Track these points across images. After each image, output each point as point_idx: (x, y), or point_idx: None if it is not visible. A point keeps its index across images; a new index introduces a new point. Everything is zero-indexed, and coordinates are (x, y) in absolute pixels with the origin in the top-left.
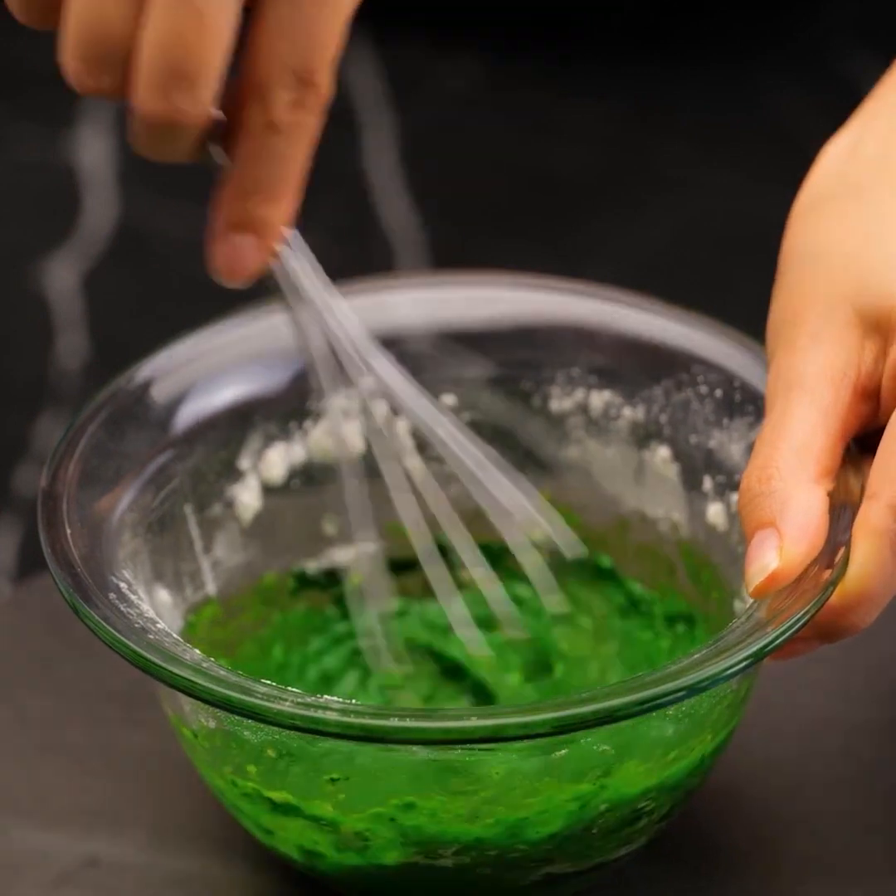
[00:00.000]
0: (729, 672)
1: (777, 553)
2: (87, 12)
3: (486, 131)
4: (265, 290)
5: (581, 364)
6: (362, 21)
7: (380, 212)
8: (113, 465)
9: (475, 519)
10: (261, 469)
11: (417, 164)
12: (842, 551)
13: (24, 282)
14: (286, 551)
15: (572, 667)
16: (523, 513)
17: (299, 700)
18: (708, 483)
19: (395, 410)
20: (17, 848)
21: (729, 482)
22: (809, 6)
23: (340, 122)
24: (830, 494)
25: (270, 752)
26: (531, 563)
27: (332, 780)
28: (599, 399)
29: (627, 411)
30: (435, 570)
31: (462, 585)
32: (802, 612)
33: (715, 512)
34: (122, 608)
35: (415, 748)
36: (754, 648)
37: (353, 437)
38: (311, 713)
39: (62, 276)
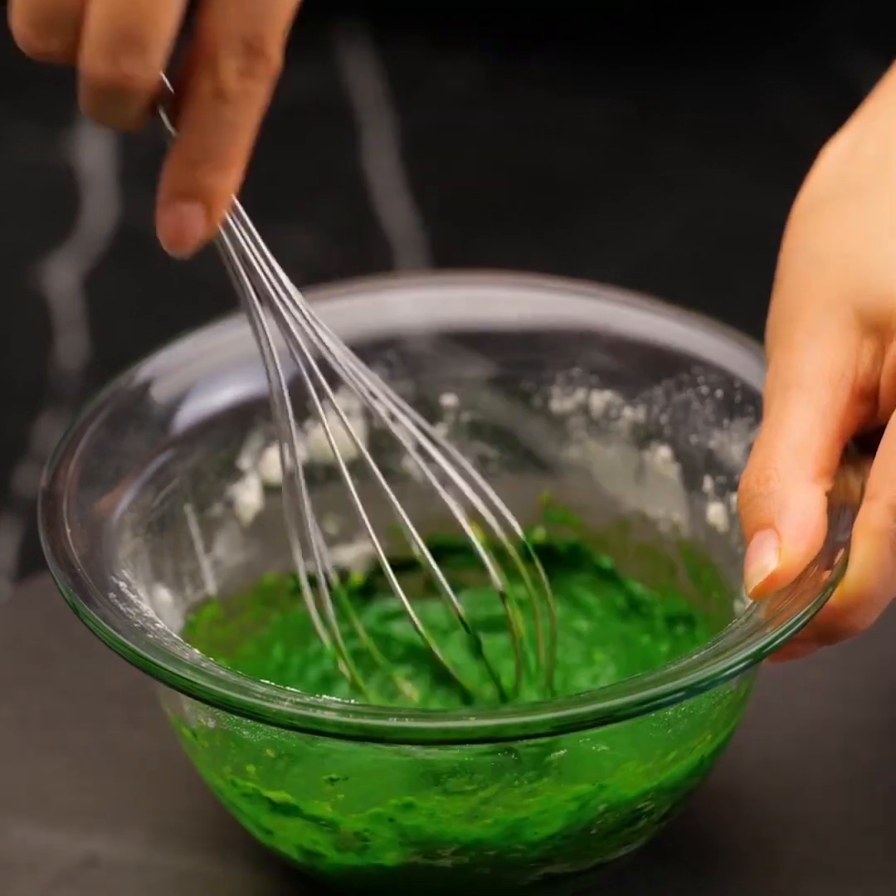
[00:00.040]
0: (728, 673)
1: (776, 554)
2: None
3: (486, 131)
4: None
5: (582, 364)
6: (362, 21)
7: (380, 212)
8: (113, 464)
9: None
10: (261, 469)
11: (417, 164)
12: (841, 552)
13: (24, 282)
14: (287, 551)
15: (567, 674)
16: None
17: (298, 700)
18: (708, 483)
19: (330, 380)
20: (17, 847)
21: (729, 483)
22: (809, 6)
23: (340, 122)
24: (829, 494)
25: (269, 752)
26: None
27: (331, 780)
28: (600, 399)
29: (628, 412)
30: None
31: (465, 585)
32: (802, 613)
33: (715, 512)
34: (122, 608)
35: (413, 748)
36: (753, 649)
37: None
38: (309, 713)
39: (62, 276)
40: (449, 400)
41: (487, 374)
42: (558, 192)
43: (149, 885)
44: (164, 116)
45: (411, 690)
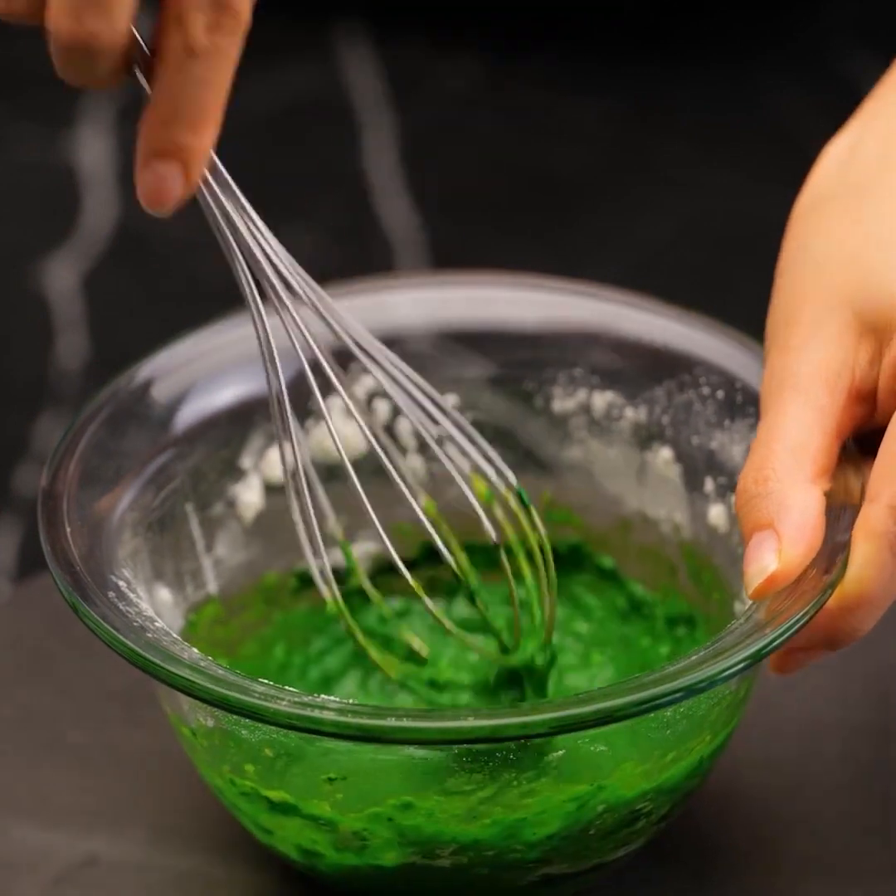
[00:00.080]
0: (727, 674)
1: (776, 555)
2: None
3: (486, 131)
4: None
5: (583, 365)
6: (362, 21)
7: (380, 212)
8: (113, 464)
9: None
10: (263, 468)
11: (417, 164)
12: (841, 553)
13: (24, 282)
14: (288, 550)
15: (564, 675)
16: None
17: (296, 700)
18: (709, 484)
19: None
20: (17, 847)
21: (730, 484)
22: (809, 6)
23: (340, 122)
24: (828, 494)
25: (268, 752)
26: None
27: (330, 779)
28: (602, 400)
29: (629, 412)
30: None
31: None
32: (801, 614)
33: (716, 513)
34: (121, 607)
35: (412, 748)
36: (752, 650)
37: (356, 437)
38: (308, 713)
39: (62, 276)
40: (450, 400)
41: (488, 375)
42: (558, 192)
43: (149, 885)
44: (140, 76)
45: (420, 645)
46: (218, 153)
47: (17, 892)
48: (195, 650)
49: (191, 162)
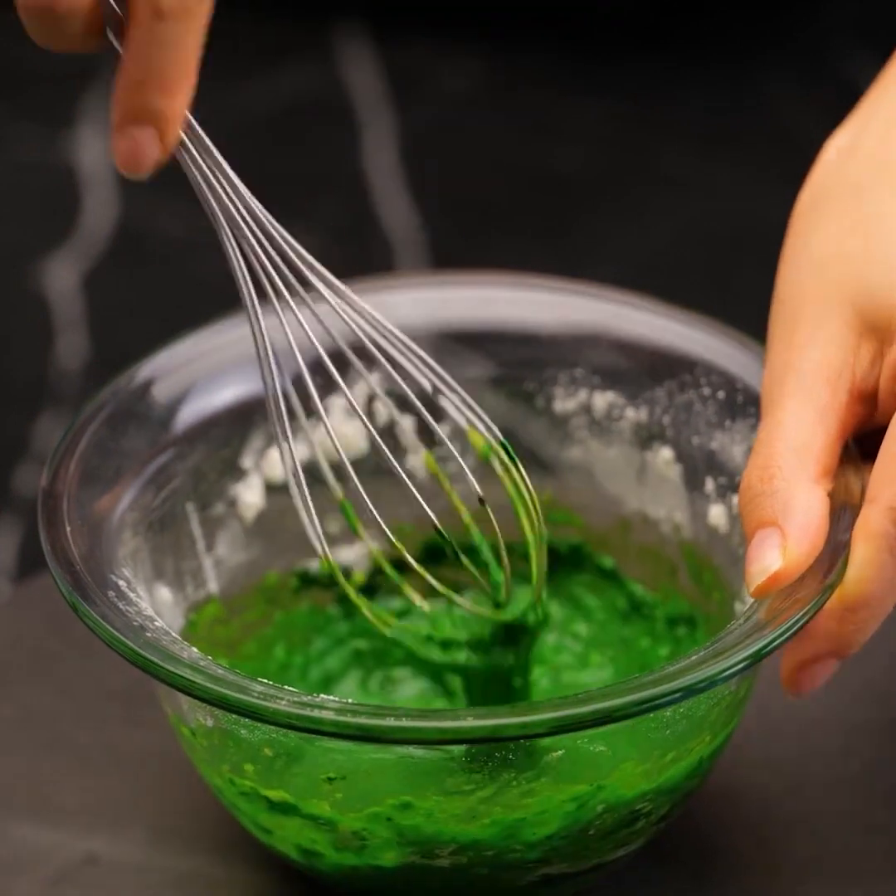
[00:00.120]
0: (727, 674)
1: (780, 553)
2: None
3: (486, 131)
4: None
5: (584, 365)
6: (362, 21)
7: (380, 212)
8: (113, 464)
9: (480, 520)
10: (263, 468)
11: (417, 164)
12: (841, 554)
13: (24, 282)
14: (289, 550)
15: (562, 675)
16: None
17: (296, 699)
18: (710, 484)
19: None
20: (17, 845)
21: (731, 484)
22: (809, 6)
23: (340, 122)
24: (830, 495)
25: (267, 751)
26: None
27: (330, 779)
28: (602, 400)
29: (630, 412)
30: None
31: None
32: (800, 614)
33: (717, 513)
34: (121, 606)
35: (411, 748)
36: (752, 650)
37: (355, 437)
38: (307, 712)
39: (62, 276)
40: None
41: (488, 375)
42: (558, 192)
43: (149, 885)
44: (112, 38)
45: (421, 600)
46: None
47: (17, 892)
48: (195, 649)
49: (165, 126)
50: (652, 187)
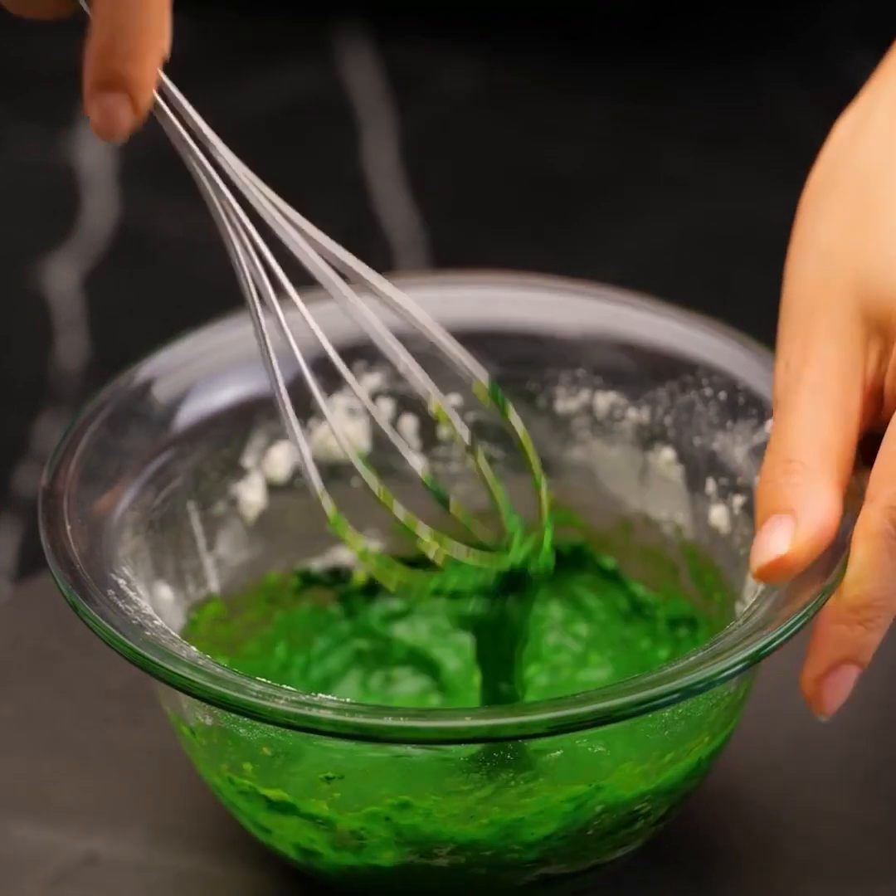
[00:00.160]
0: (726, 674)
1: (789, 538)
2: None
3: (486, 131)
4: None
5: (586, 365)
6: (362, 21)
7: (380, 212)
8: (114, 463)
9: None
10: (265, 467)
11: (417, 164)
12: (841, 555)
13: (24, 282)
14: (290, 549)
15: (560, 675)
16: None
17: (294, 698)
18: (711, 485)
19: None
20: (17, 845)
21: (732, 485)
22: (809, 6)
23: (340, 122)
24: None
25: (266, 750)
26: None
27: (328, 778)
28: (604, 400)
29: (632, 413)
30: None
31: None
32: (800, 614)
33: (718, 514)
34: (121, 605)
35: (409, 748)
36: (751, 651)
37: (358, 437)
38: (305, 712)
39: (62, 276)
40: (452, 400)
41: (489, 375)
42: (558, 192)
43: (149, 885)
44: (84, 5)
45: (436, 552)
46: None
47: (17, 891)
48: (194, 649)
49: (136, 92)
50: (652, 187)
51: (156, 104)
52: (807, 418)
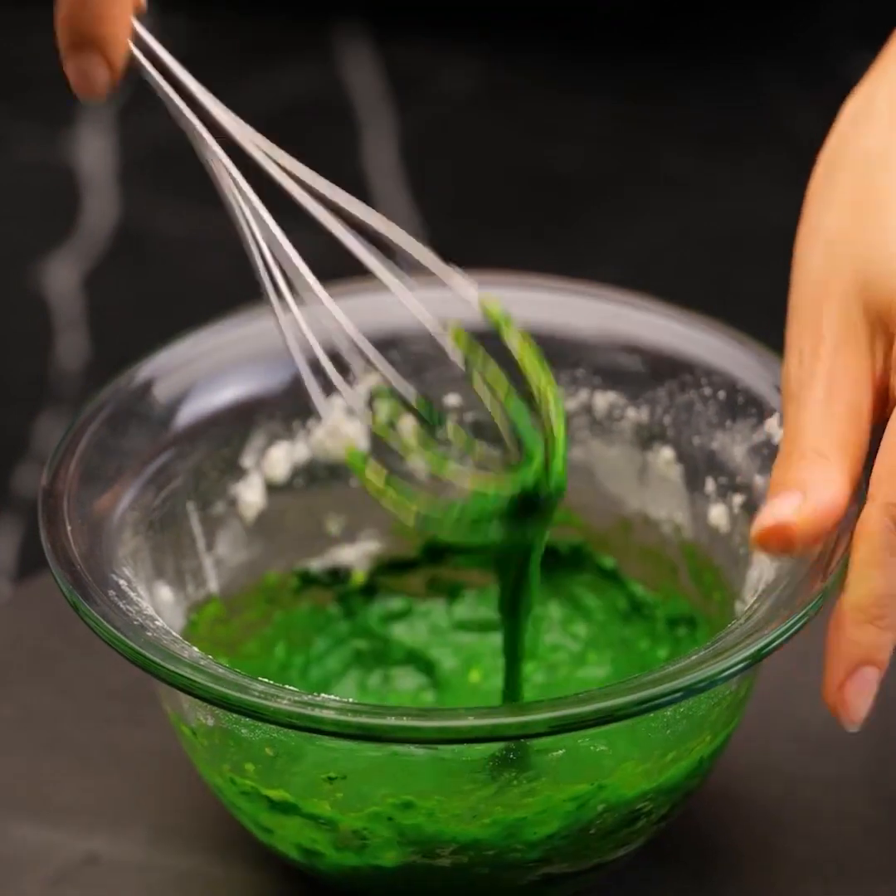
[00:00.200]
0: (727, 673)
1: (795, 511)
2: None
3: (486, 131)
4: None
5: (585, 365)
6: (362, 21)
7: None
8: (114, 463)
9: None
10: (264, 467)
11: (417, 164)
12: (841, 554)
13: (24, 282)
14: (289, 550)
15: (559, 674)
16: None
17: (296, 698)
18: (711, 485)
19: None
20: (17, 845)
21: (731, 484)
22: (809, 6)
23: (340, 122)
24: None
25: (268, 751)
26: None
27: (330, 778)
28: (603, 400)
29: (631, 412)
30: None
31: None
32: (801, 613)
33: (717, 514)
34: (122, 605)
35: (412, 747)
36: (752, 650)
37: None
38: (307, 711)
39: (62, 276)
40: (452, 400)
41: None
42: (558, 192)
43: (149, 885)
44: None
45: (421, 456)
46: None
47: (18, 891)
48: (195, 649)
49: (109, 52)
50: (652, 187)
51: (140, 62)
52: (822, 415)
